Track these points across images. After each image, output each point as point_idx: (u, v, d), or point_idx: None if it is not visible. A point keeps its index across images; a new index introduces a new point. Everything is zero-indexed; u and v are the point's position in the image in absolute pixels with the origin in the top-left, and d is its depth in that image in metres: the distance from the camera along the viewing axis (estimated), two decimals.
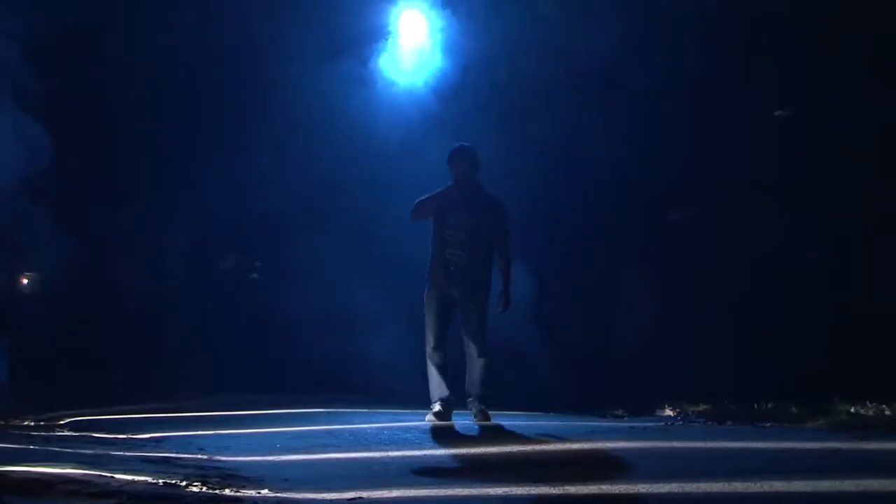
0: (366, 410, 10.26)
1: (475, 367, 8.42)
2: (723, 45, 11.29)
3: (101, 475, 5.27)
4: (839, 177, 10.66)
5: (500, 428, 7.98)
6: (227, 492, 5.05)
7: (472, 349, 8.42)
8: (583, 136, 11.97)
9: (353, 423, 8.71)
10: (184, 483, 5.20)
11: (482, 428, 8.01)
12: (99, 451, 6.70)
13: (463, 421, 8.38)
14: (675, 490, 4.88)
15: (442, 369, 8.47)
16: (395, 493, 4.99)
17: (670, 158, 11.74)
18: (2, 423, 9.43)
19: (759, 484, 4.92)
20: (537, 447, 6.76)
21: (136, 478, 5.29)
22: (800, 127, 10.91)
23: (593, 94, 12.03)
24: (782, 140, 11.10)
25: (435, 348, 8.47)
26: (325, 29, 13.35)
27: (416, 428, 8.04)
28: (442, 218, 8.46)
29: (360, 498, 4.88)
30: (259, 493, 5.07)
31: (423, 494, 5.00)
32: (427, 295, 8.52)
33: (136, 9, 13.93)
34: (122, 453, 6.60)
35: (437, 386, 8.46)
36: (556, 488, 5.01)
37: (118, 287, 15.25)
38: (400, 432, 7.81)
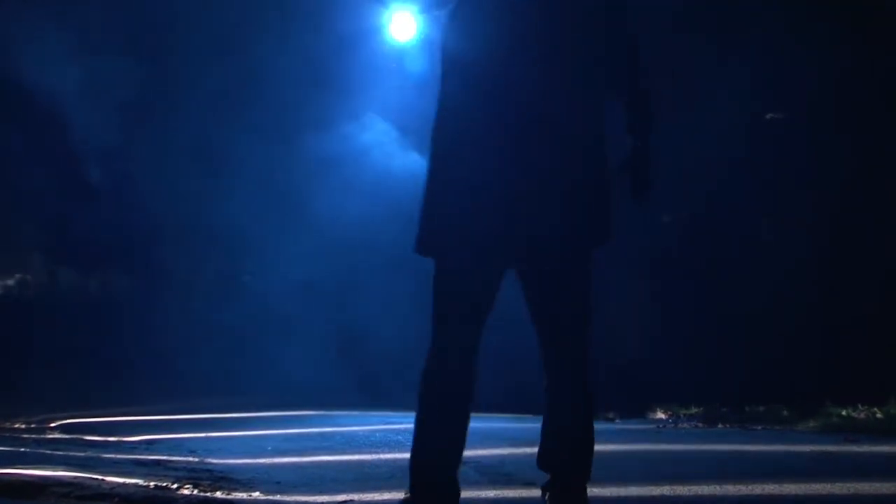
0: (357, 413, 10.26)
1: (565, 407, 4.14)
2: (716, 39, 11.28)
3: (92, 477, 5.26)
4: (831, 180, 10.67)
5: (490, 431, 7.96)
6: (218, 494, 5.04)
7: (562, 367, 4.09)
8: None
9: (345, 426, 8.71)
10: (175, 486, 5.19)
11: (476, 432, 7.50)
12: (90, 453, 6.69)
13: None
14: (666, 493, 4.88)
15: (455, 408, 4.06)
16: (386, 496, 4.98)
17: (662, 158, 11.71)
18: None
19: (750, 487, 4.93)
20: (528, 450, 6.74)
21: (128, 480, 5.27)
22: (796, 128, 10.92)
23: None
24: (776, 142, 11.10)
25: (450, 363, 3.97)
26: (319, 29, 13.33)
27: (408, 430, 7.99)
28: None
29: (351, 500, 4.88)
30: (250, 495, 5.07)
31: None
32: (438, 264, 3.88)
33: None
34: (113, 456, 6.59)
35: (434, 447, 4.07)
36: None
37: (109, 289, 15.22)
38: (391, 434, 7.79)
